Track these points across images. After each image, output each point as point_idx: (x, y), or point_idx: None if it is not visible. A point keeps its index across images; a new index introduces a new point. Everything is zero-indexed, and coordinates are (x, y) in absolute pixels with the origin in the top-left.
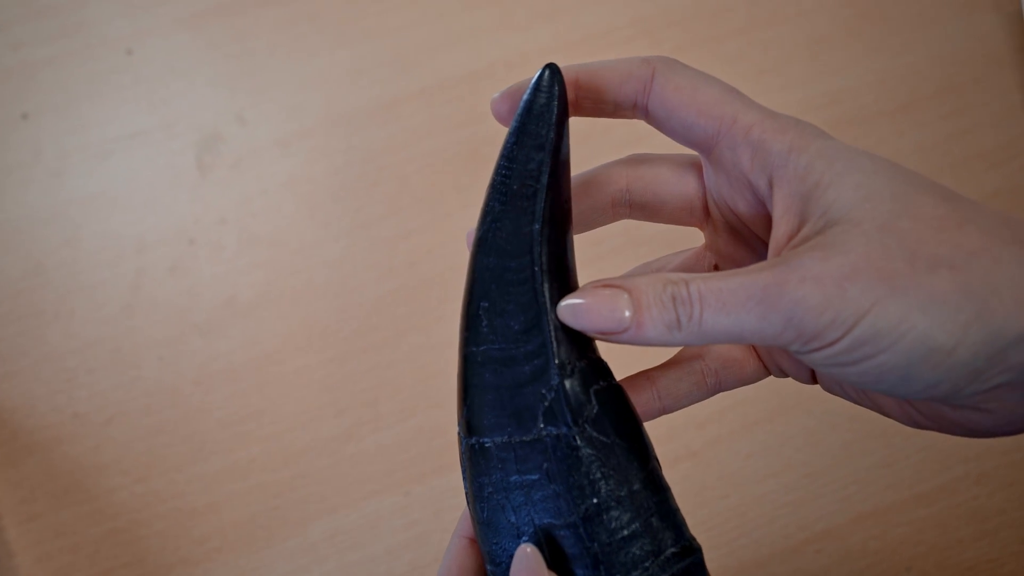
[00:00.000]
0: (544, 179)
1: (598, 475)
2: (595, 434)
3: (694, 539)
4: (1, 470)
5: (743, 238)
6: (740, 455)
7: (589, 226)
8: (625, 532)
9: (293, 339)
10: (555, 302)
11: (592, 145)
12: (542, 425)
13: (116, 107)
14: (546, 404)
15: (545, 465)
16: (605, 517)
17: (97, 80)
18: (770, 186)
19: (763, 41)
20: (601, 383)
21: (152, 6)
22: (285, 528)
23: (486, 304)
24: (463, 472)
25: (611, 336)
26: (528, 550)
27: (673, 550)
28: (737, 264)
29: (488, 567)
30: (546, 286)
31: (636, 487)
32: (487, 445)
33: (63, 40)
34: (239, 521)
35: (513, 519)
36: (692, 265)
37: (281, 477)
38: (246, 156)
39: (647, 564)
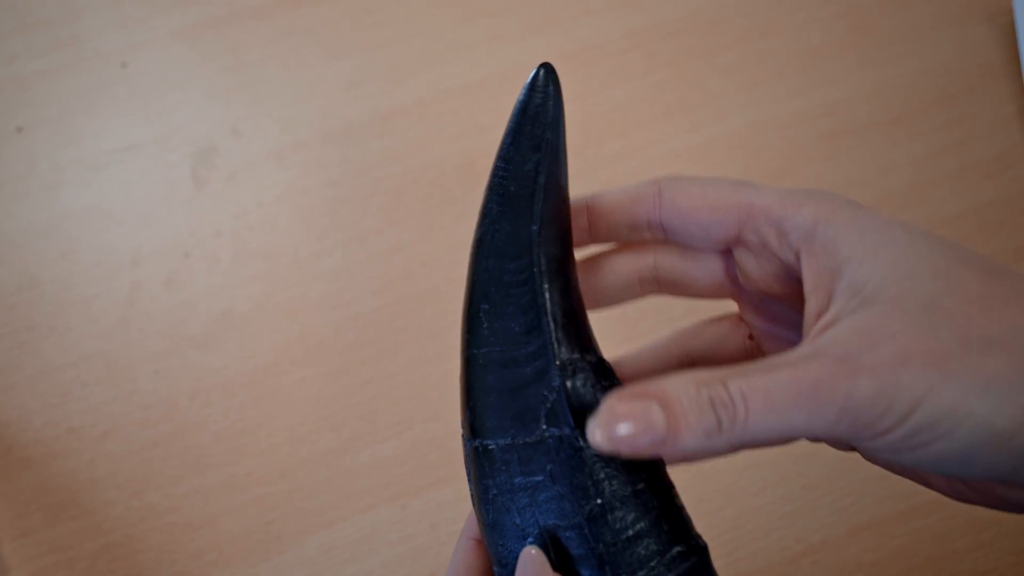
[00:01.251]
0: (541, 180)
1: (602, 475)
2: None
3: (699, 537)
4: None
5: (778, 311)
6: (737, 467)
7: (615, 301)
8: (630, 532)
9: (289, 352)
10: (555, 302)
11: (587, 158)
12: (544, 426)
13: (111, 120)
14: (548, 405)
15: (548, 467)
16: (610, 517)
17: (92, 93)
18: (798, 261)
19: (758, 53)
20: (603, 383)
21: (147, 18)
22: (281, 542)
23: (486, 306)
24: (468, 474)
25: (644, 452)
26: (532, 552)
27: (679, 548)
28: (773, 336)
29: (495, 568)
30: (546, 287)
31: (640, 486)
32: (491, 447)
33: (57, 53)
34: (235, 535)
35: (518, 521)
36: (727, 334)
37: (277, 490)
38: (241, 169)
39: (653, 563)
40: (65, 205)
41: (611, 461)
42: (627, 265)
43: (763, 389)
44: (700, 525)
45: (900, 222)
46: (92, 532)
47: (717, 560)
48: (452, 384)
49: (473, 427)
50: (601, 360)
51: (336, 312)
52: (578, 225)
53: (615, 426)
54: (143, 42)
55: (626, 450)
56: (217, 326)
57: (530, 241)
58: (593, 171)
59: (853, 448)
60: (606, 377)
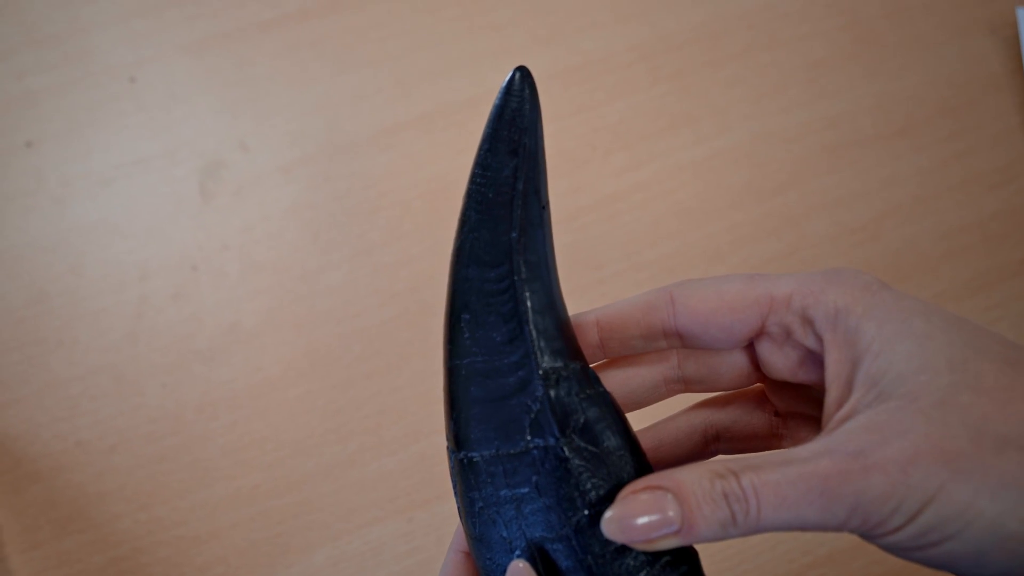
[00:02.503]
0: (520, 185)
1: (588, 486)
2: (583, 444)
3: (689, 545)
4: (4, 498)
5: (802, 393)
6: None
7: (641, 405)
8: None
9: (296, 365)
10: (537, 310)
11: (591, 171)
12: (529, 437)
13: (119, 134)
14: (532, 416)
15: (534, 478)
16: (597, 528)
17: (100, 108)
18: (822, 346)
19: (761, 65)
20: (588, 391)
21: (154, 34)
22: (288, 555)
23: (467, 316)
24: (454, 487)
25: (658, 543)
26: (520, 565)
27: (667, 558)
28: (798, 415)
29: None
30: (527, 295)
31: None
32: (475, 459)
33: (66, 68)
34: (242, 548)
35: (505, 533)
36: (753, 410)
37: (284, 504)
38: (248, 183)
39: (643, 574)
40: (73, 219)
41: (597, 471)
42: (650, 369)
43: (775, 484)
44: None
45: (920, 309)
46: (100, 545)
47: (723, 574)
48: None
49: (457, 439)
50: (585, 367)
51: (342, 325)
52: (588, 341)
53: (631, 519)
54: (151, 57)
55: (641, 542)
56: (224, 339)
57: (510, 248)
58: (598, 184)
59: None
60: (591, 385)
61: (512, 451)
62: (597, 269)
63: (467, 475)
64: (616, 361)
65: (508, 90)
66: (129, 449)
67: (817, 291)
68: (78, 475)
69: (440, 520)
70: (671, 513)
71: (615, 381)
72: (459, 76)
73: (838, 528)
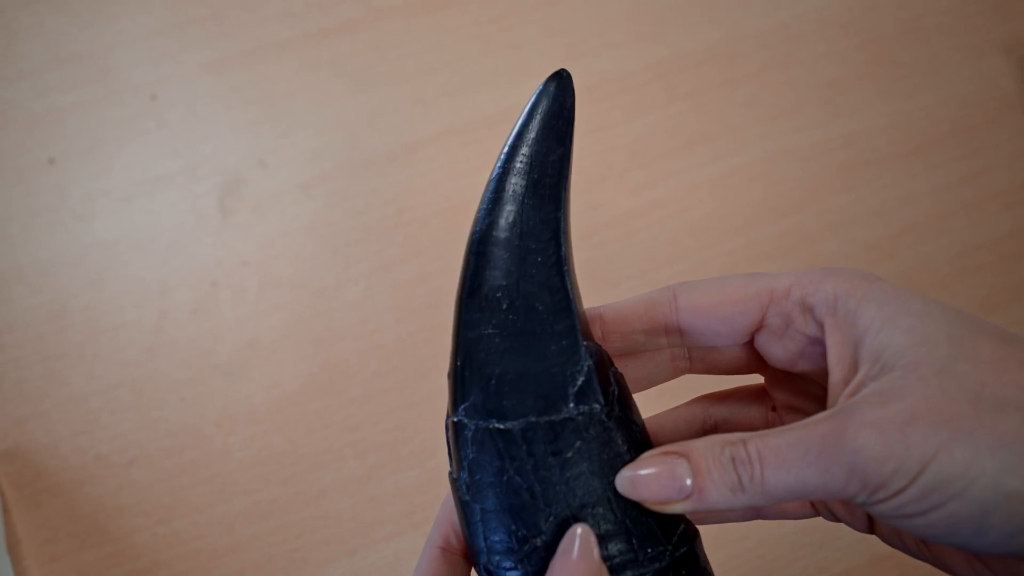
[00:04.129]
0: (565, 170)
1: (623, 449)
2: (619, 412)
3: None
4: (24, 511)
5: (800, 386)
6: None
7: (651, 384)
8: None
9: (314, 381)
10: (575, 288)
11: (608, 189)
12: (573, 404)
13: (140, 151)
14: (577, 384)
15: (578, 443)
16: None
17: (122, 125)
18: (823, 333)
19: (776, 85)
20: (612, 367)
21: (176, 52)
22: (306, 569)
23: (504, 285)
24: (465, 462)
25: (672, 505)
26: (579, 530)
27: (684, 526)
28: (795, 409)
29: (494, 558)
30: (572, 271)
31: None
32: (508, 428)
33: (89, 86)
34: (260, 562)
35: (541, 502)
36: (751, 404)
37: (302, 518)
38: (268, 199)
39: (680, 529)
40: (95, 235)
41: (630, 437)
42: (659, 349)
43: (776, 447)
44: (722, 555)
45: (918, 294)
46: (119, 559)
47: None
48: None
49: (485, 408)
50: (600, 347)
51: (360, 341)
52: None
53: (646, 479)
54: (172, 75)
55: (649, 497)
56: (243, 355)
57: (557, 227)
58: (615, 202)
59: (872, 529)
60: (611, 362)
61: (555, 418)
62: (613, 286)
63: (496, 445)
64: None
65: (560, 85)
66: (148, 463)
67: (816, 281)
68: (97, 489)
69: None
70: (684, 478)
71: (627, 361)
72: (477, 94)
73: (841, 492)
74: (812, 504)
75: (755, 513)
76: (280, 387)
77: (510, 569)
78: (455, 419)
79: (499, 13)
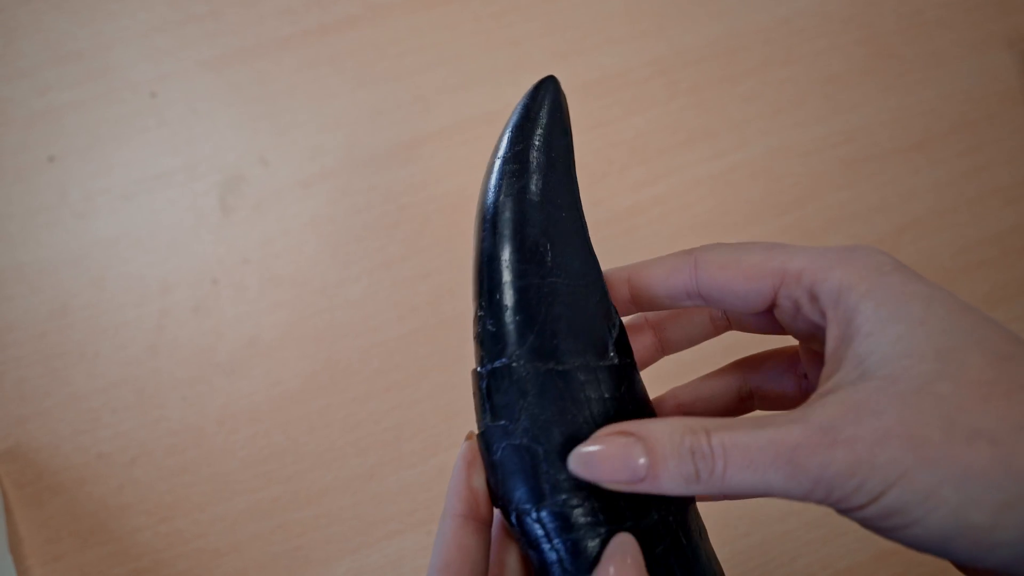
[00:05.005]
0: (572, 158)
1: (645, 402)
2: (637, 367)
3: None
4: (26, 510)
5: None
6: None
7: (693, 343)
8: None
9: (316, 379)
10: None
11: (609, 185)
12: (612, 354)
13: (140, 149)
14: (613, 336)
15: (623, 387)
16: None
17: (122, 123)
18: (826, 325)
19: (778, 80)
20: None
21: (175, 50)
22: (308, 568)
23: (546, 241)
24: (520, 406)
25: (624, 486)
26: (625, 538)
27: None
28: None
29: (559, 497)
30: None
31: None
32: (567, 369)
33: (88, 84)
34: (262, 561)
35: (586, 431)
36: (784, 371)
37: (304, 516)
38: (268, 197)
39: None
40: (95, 233)
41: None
42: (699, 309)
43: (744, 446)
44: (726, 552)
45: (924, 294)
46: (121, 558)
47: None
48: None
49: (543, 352)
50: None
51: (362, 339)
52: (620, 296)
53: (596, 452)
54: (172, 73)
55: (601, 477)
56: (244, 353)
57: (577, 199)
58: (616, 198)
59: None
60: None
61: (602, 363)
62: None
63: (555, 386)
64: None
65: (557, 89)
66: (150, 461)
67: (826, 267)
68: (99, 487)
69: None
70: (640, 459)
71: (669, 322)
72: (478, 91)
73: (804, 498)
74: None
75: (716, 494)
76: (281, 385)
77: (578, 506)
78: (504, 364)
79: (499, 9)
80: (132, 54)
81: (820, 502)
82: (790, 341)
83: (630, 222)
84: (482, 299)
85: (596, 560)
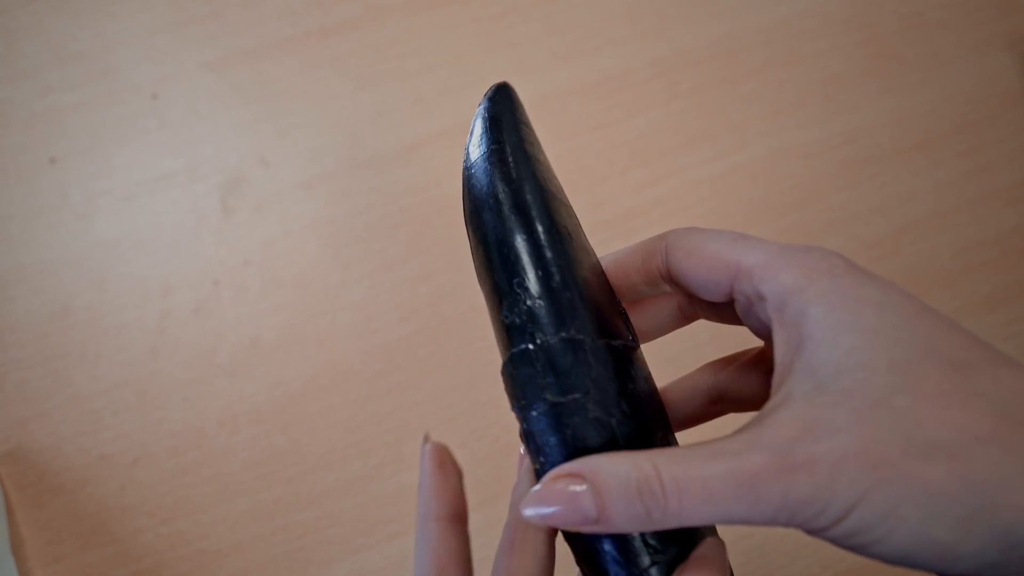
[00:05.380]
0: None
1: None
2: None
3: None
4: (28, 511)
5: None
6: None
7: (663, 332)
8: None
9: (317, 380)
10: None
11: (610, 186)
12: (631, 336)
13: (141, 151)
14: (623, 317)
15: (644, 372)
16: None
17: (123, 124)
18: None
19: (778, 81)
20: None
21: (177, 51)
22: (309, 569)
23: (565, 224)
24: (586, 379)
25: (579, 527)
26: (715, 542)
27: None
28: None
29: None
30: None
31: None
32: (619, 345)
33: (90, 85)
34: (264, 562)
35: (648, 419)
36: (751, 370)
37: (305, 518)
38: (269, 198)
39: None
40: (96, 234)
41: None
42: (666, 297)
43: (702, 480)
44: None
45: (877, 299)
46: (122, 559)
47: None
48: (478, 412)
49: (598, 326)
50: None
51: (363, 340)
52: None
53: (548, 506)
54: (173, 74)
55: (560, 525)
56: (245, 354)
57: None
58: (617, 199)
59: None
60: None
61: (633, 344)
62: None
63: (614, 359)
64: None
65: (511, 92)
66: (151, 463)
67: (776, 267)
68: (101, 489)
69: None
70: (586, 505)
71: (637, 311)
72: (478, 92)
73: (768, 523)
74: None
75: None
76: (283, 386)
77: None
78: (568, 337)
79: (500, 11)
80: (133, 55)
81: (784, 525)
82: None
83: (631, 223)
84: (520, 277)
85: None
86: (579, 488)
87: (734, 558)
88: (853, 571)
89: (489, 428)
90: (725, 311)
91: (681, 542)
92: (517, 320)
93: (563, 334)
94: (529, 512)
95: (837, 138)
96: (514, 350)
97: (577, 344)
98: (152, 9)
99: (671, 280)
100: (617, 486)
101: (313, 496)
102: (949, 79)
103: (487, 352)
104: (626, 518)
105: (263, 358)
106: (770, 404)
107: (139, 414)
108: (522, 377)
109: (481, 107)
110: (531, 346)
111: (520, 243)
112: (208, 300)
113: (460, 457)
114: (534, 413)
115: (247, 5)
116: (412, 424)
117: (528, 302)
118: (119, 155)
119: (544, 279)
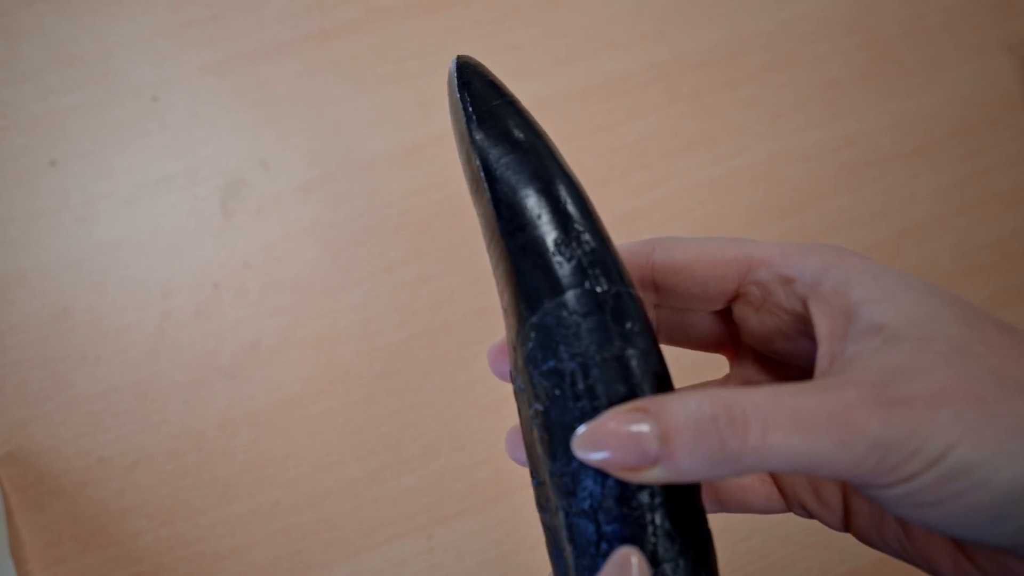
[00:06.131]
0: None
1: None
2: None
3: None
4: (27, 514)
5: (775, 369)
6: None
7: None
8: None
9: (316, 383)
10: None
11: (610, 190)
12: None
13: (142, 153)
14: None
15: None
16: None
17: (123, 127)
18: (806, 308)
19: (778, 85)
20: None
21: (177, 54)
22: (309, 572)
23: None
24: (641, 325)
25: (639, 474)
26: (633, 559)
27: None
28: None
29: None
30: None
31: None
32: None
33: (90, 88)
34: (263, 565)
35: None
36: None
37: (305, 520)
38: (269, 201)
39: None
40: (96, 237)
41: None
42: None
43: (791, 408)
44: (726, 556)
45: (911, 274)
46: (122, 562)
47: None
48: (478, 415)
49: (623, 280)
50: None
51: (363, 343)
52: None
53: (598, 446)
54: (174, 77)
55: (612, 466)
56: (245, 357)
57: None
58: (616, 202)
59: (848, 526)
60: None
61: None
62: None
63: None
64: None
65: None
66: (151, 465)
67: (799, 254)
68: (100, 491)
69: (460, 537)
70: (649, 442)
71: None
72: None
73: (850, 470)
74: (783, 496)
75: (717, 505)
76: (282, 389)
77: None
78: (626, 291)
79: (500, 14)
80: (134, 58)
81: (863, 475)
82: (717, 364)
83: (631, 226)
84: (578, 222)
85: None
86: (641, 422)
87: (734, 561)
88: (853, 573)
89: (489, 431)
90: (697, 324)
91: (694, 549)
92: (586, 258)
93: (622, 286)
94: (580, 447)
95: (837, 142)
96: (576, 290)
97: (634, 296)
98: (153, 12)
99: (651, 283)
100: (688, 417)
101: (313, 499)
102: (949, 83)
103: (487, 355)
104: (695, 453)
105: (263, 361)
106: (836, 366)
107: (139, 416)
108: (588, 322)
109: (456, 85)
110: (598, 288)
111: (561, 191)
112: (208, 303)
113: (459, 460)
114: (600, 357)
115: (248, 8)
116: (412, 427)
117: (588, 246)
118: (119, 158)
119: (598, 229)
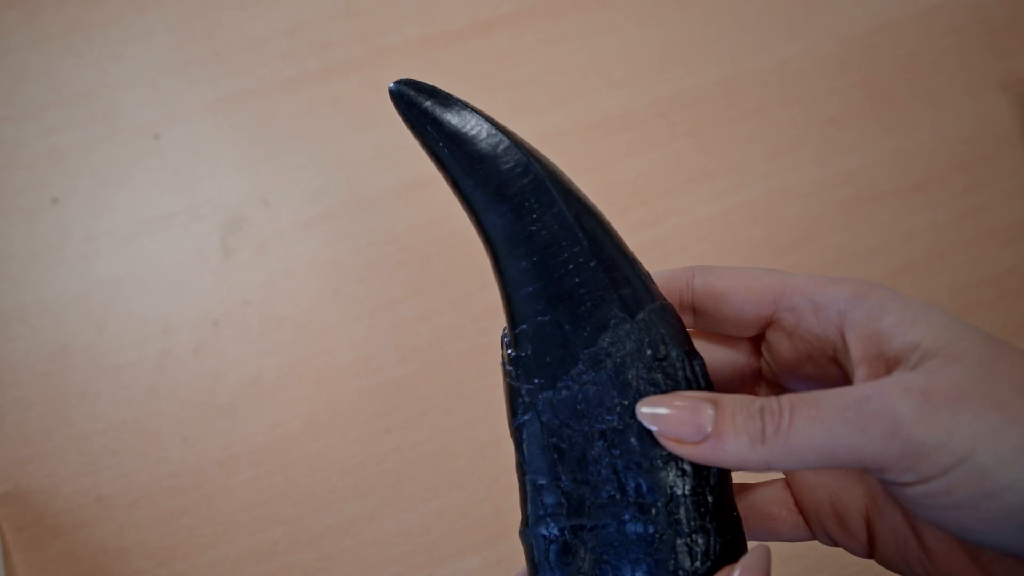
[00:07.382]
0: None
1: None
2: None
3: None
4: (26, 553)
5: None
6: None
7: None
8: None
9: (317, 420)
10: None
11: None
12: None
13: (143, 190)
14: None
15: None
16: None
17: (125, 164)
18: (841, 335)
19: (777, 122)
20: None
21: (179, 92)
22: None
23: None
24: (677, 339)
25: (686, 447)
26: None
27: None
28: None
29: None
30: None
31: None
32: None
33: (92, 125)
34: None
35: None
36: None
37: (304, 559)
38: (270, 238)
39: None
40: (97, 274)
41: None
42: None
43: (812, 400)
44: None
45: (934, 303)
46: None
47: None
48: (478, 452)
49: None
50: None
51: (363, 380)
52: None
53: (665, 407)
54: (175, 115)
55: (664, 429)
56: (245, 394)
57: None
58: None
59: (872, 552)
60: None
61: None
62: None
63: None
64: None
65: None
66: (150, 504)
67: (830, 283)
68: (99, 530)
69: (460, 575)
70: (707, 418)
71: None
72: None
73: (877, 459)
74: (808, 524)
75: (746, 533)
76: (282, 426)
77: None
78: (664, 304)
79: (500, 52)
80: (136, 96)
81: (891, 465)
82: None
83: None
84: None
85: None
86: (705, 404)
87: None
88: None
89: (489, 468)
90: (719, 363)
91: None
92: (636, 280)
93: (660, 301)
94: (645, 410)
95: (836, 178)
96: (653, 305)
97: (669, 309)
98: (155, 50)
99: (690, 307)
100: (738, 404)
101: (312, 537)
102: (945, 120)
103: (487, 392)
104: (741, 435)
105: (263, 398)
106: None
107: (138, 454)
108: (663, 325)
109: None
110: (661, 302)
111: (575, 204)
112: (208, 340)
113: (459, 498)
114: (675, 351)
115: (249, 46)
116: (412, 464)
117: (633, 270)
118: (121, 195)
119: (620, 247)
